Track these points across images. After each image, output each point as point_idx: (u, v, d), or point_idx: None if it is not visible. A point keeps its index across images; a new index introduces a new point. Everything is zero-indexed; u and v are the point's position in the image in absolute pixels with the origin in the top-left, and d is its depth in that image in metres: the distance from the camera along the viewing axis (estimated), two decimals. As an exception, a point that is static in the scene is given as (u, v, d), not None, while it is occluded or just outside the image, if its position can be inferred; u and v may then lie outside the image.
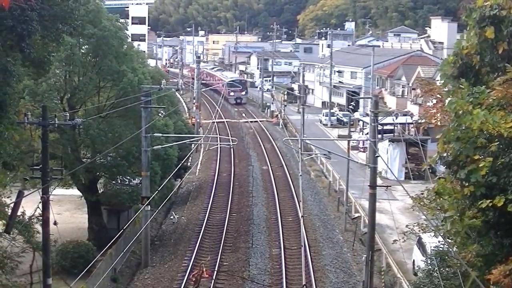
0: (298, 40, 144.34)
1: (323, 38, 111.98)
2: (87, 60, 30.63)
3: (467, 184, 12.54)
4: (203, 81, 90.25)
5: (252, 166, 50.56)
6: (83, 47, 30.67)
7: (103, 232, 31.53)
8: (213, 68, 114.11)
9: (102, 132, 29.45)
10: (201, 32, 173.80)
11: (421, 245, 26.07)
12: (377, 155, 22.99)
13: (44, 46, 20.41)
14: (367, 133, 38.23)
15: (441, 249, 18.79)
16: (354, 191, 37.61)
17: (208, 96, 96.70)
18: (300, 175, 29.57)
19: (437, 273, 17.97)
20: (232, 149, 52.70)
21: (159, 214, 36.69)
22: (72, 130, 28.74)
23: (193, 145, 49.79)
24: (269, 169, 49.18)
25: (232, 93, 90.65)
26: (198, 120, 62.24)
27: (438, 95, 16.69)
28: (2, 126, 18.68)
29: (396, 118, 45.83)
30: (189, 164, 51.71)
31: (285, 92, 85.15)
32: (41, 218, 20.04)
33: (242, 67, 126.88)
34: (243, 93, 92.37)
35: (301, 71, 74.35)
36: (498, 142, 12.36)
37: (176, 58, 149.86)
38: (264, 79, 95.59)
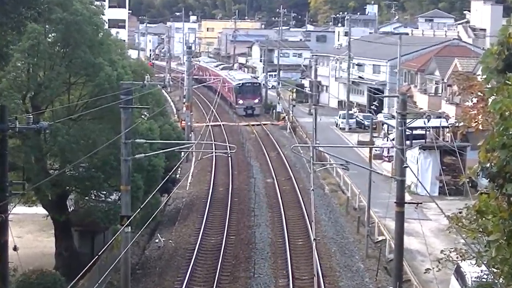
0: (310, 27, 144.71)
1: (339, 24, 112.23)
2: (54, 50, 30.59)
3: (515, 201, 12.44)
4: (196, 76, 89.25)
5: (254, 178, 50.54)
6: (50, 35, 30.64)
7: (74, 259, 31.45)
8: (217, 66, 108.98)
9: (73, 137, 29.40)
10: (193, 18, 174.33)
11: (459, 275, 25.95)
12: (405, 165, 22.96)
13: (3, 35, 20.43)
14: (393, 139, 38.07)
15: (484, 280, 18.67)
16: (378, 209, 37.55)
17: (201, 94, 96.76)
18: (312, 190, 29.51)
19: (479, 310, 17.85)
20: (230, 158, 52.74)
21: (142, 236, 36.64)
22: (36, 135, 28.66)
23: (183, 153, 49.76)
24: (275, 182, 49.14)
25: (241, 101, 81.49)
26: (189, 123, 62.29)
27: (480, 93, 16.61)
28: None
29: (428, 120, 45.60)
30: (178, 176, 51.62)
31: (294, 90, 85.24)
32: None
33: (242, 60, 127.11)
34: (256, 100, 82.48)
35: (313, 64, 74.41)
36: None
37: (163, 48, 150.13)
38: (269, 74, 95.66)
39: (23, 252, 25.68)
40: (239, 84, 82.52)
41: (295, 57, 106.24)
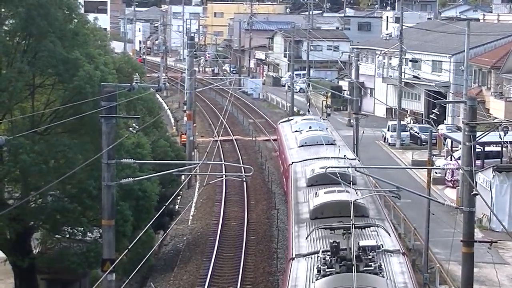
0: (349, 12, 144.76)
1: (388, 8, 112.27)
2: (13, 42, 30.70)
3: None
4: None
5: (277, 210, 50.32)
6: (6, 22, 30.73)
7: (40, 316, 31.47)
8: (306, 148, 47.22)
9: (39, 156, 29.42)
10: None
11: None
12: (474, 192, 22.78)
13: None
14: (459, 158, 37.83)
15: None
16: (439, 250, 37.57)
17: (207, 100, 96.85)
18: (353, 224, 29.22)
19: None
20: (245, 183, 52.52)
21: (131, 286, 36.55)
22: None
23: (183, 177, 49.63)
24: (304, 214, 48.71)
25: None
26: (191, 138, 62.33)
27: None
28: None
29: (506, 133, 45.49)
30: (177, 207, 51.45)
31: (329, 94, 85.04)
32: None
33: (260, 54, 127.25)
34: None
35: (354, 60, 74.16)
36: None
37: (156, 40, 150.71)
38: (296, 73, 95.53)
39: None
40: None
41: (330, 51, 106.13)
